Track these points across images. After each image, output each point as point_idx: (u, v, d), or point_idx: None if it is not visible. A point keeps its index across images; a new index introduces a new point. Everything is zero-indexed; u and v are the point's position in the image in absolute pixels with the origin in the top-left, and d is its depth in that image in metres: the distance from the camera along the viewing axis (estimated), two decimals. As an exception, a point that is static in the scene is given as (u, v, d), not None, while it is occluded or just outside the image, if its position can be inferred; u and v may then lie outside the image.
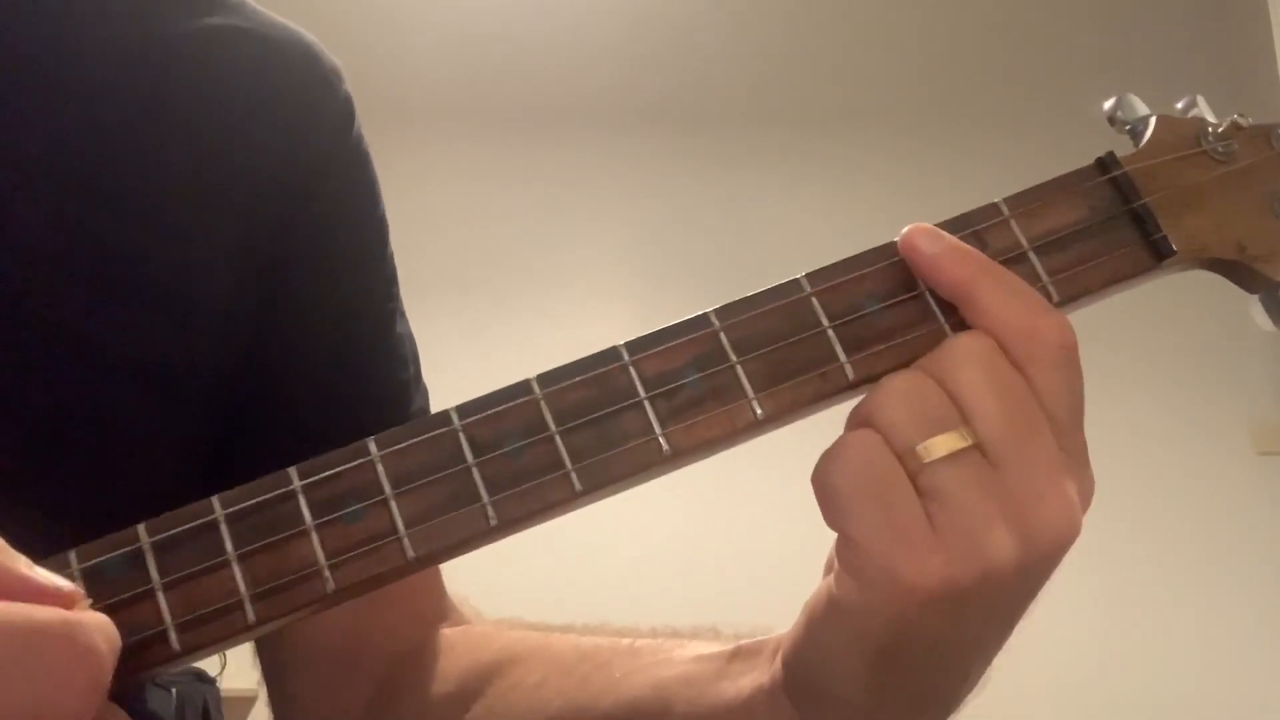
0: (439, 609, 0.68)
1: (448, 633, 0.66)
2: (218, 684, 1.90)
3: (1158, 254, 0.45)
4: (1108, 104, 0.51)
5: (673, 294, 3.03)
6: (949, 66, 3.17)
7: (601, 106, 3.20)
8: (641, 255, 3.13)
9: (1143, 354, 2.63)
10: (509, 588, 1.05)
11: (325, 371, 0.66)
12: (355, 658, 0.65)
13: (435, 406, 0.74)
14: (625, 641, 0.57)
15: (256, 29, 0.67)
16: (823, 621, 0.42)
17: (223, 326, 0.62)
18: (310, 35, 0.70)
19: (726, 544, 2.80)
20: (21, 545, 0.55)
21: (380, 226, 0.70)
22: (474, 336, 2.92)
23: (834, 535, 0.43)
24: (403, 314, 0.71)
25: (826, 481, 0.41)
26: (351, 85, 0.71)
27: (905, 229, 0.44)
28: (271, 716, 0.68)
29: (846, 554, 0.41)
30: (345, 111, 0.69)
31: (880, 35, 3.14)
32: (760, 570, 2.74)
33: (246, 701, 2.07)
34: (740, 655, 0.49)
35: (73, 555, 0.42)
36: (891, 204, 3.06)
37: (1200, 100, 0.51)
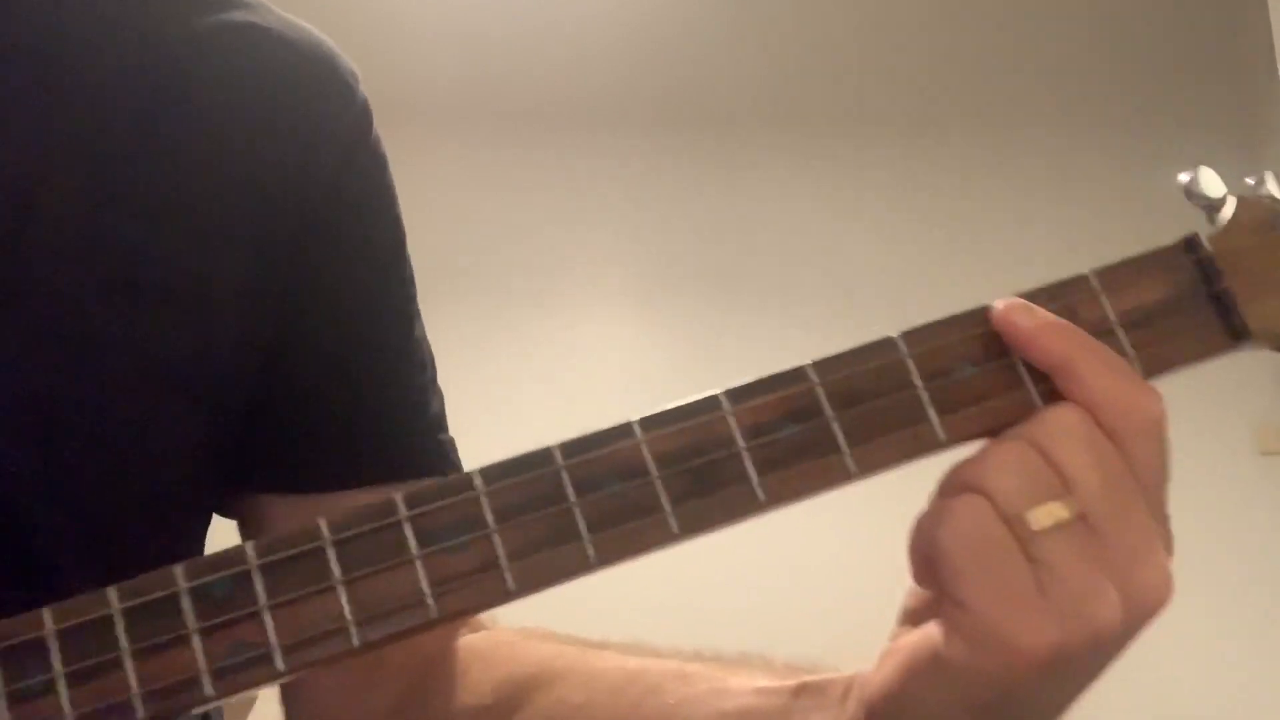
0: None
1: (474, 640, 0.67)
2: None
3: (1235, 336, 0.47)
4: (1184, 177, 0.52)
5: (675, 295, 3.04)
6: (949, 68, 3.18)
7: (602, 107, 3.19)
8: (643, 256, 3.12)
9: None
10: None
11: (344, 375, 0.66)
12: (379, 660, 0.65)
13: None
14: (672, 665, 0.57)
15: (275, 28, 0.67)
16: (926, 679, 0.44)
17: (239, 328, 0.62)
18: (326, 37, 0.70)
19: (750, 566, 2.79)
20: (39, 546, 0.56)
21: (398, 229, 0.71)
22: (475, 336, 2.91)
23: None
24: (419, 316, 0.71)
25: (936, 545, 0.43)
26: None
27: (999, 304, 0.46)
28: (285, 716, 0.68)
29: (957, 616, 0.42)
30: (363, 115, 0.69)
31: (882, 37, 3.15)
32: (787, 593, 2.75)
33: (246, 702, 2.06)
34: (806, 692, 0.50)
35: (179, 571, 0.43)
36: (893, 205, 3.08)
37: (1269, 177, 0.53)
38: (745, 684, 0.53)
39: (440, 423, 0.70)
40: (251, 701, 2.08)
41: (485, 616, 0.69)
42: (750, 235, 3.12)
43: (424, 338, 0.71)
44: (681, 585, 2.59)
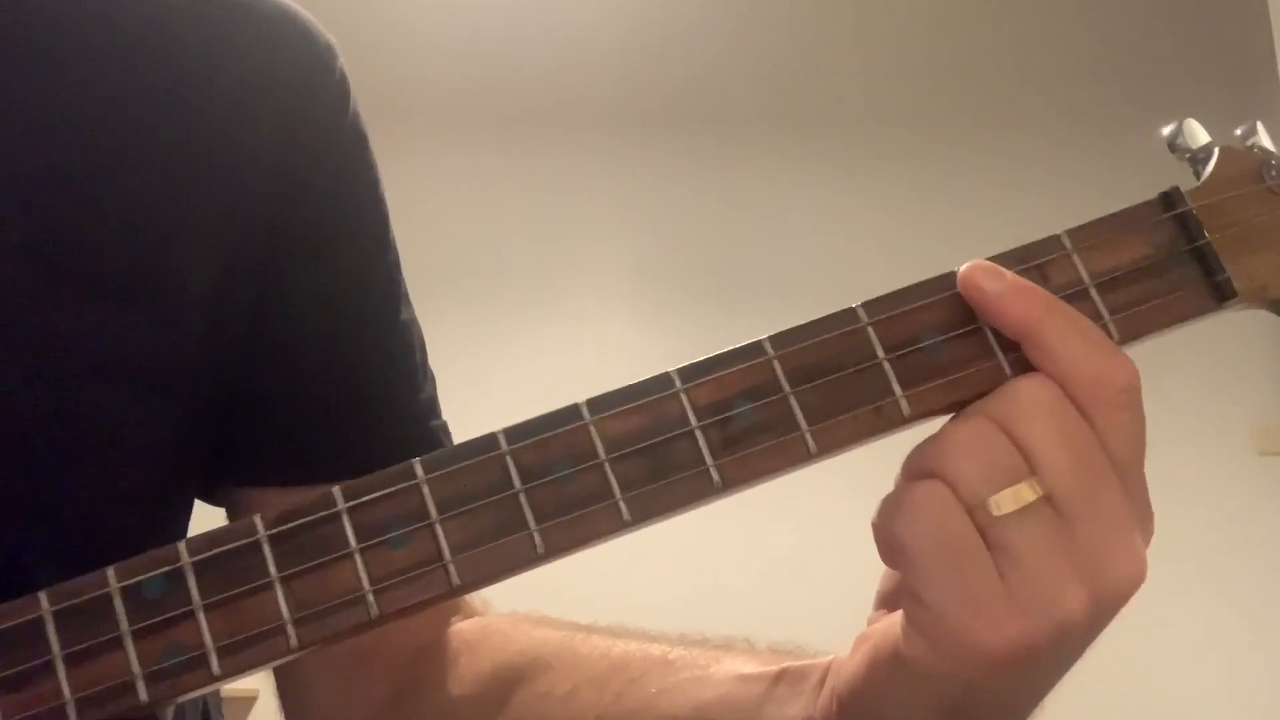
0: (453, 601, 0.67)
1: (465, 628, 0.65)
2: (217, 684, 1.89)
3: (1220, 294, 0.44)
4: (1167, 129, 0.50)
5: (674, 297, 3.02)
6: (949, 68, 3.14)
7: (603, 109, 3.16)
8: (643, 258, 3.10)
9: (1143, 354, 2.61)
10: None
11: (326, 361, 0.64)
12: (373, 651, 0.64)
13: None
14: (657, 651, 0.55)
15: (250, 1, 0.64)
16: (889, 675, 0.42)
17: (209, 318, 0.59)
18: (303, 10, 0.67)
19: (736, 549, 2.78)
20: (12, 550, 0.54)
21: (380, 209, 0.68)
22: (476, 339, 2.90)
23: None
24: (407, 299, 0.69)
25: (896, 538, 0.40)
26: (353, 88, 0.68)
27: (964, 266, 0.43)
28: (281, 711, 0.67)
29: (916, 612, 0.40)
30: (341, 91, 0.66)
31: (882, 37, 3.12)
32: (771, 575, 2.73)
33: (246, 701, 2.06)
34: (785, 679, 0.48)
35: (111, 572, 0.41)
36: (893, 205, 3.05)
37: (1260, 128, 0.50)
38: (727, 671, 0.51)
39: (432, 408, 0.68)
40: (254, 697, 2.07)
41: (478, 601, 0.68)
42: (750, 237, 3.09)
43: (413, 320, 0.68)
44: (670, 564, 2.59)
